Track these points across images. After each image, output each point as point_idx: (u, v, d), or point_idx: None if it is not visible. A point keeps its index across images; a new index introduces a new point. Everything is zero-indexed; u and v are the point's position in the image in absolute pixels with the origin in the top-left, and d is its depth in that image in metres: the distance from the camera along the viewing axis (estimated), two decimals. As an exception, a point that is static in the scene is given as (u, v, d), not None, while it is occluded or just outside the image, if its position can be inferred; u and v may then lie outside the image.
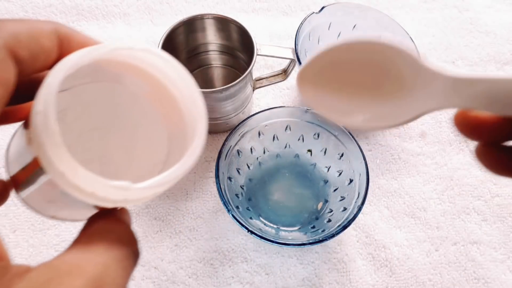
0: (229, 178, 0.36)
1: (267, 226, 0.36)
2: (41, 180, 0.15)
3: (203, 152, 0.44)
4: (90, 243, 0.14)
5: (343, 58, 0.19)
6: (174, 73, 0.17)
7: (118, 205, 0.15)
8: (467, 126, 0.17)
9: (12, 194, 0.17)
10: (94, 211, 0.16)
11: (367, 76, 0.19)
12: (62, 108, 0.16)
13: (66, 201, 0.15)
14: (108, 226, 0.15)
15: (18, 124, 0.17)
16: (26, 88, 0.16)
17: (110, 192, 0.14)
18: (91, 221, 0.16)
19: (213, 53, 0.43)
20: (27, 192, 0.16)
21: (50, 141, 0.13)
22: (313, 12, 0.41)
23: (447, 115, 0.45)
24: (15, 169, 0.17)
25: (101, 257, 0.14)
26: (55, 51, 0.16)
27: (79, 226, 0.16)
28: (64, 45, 0.16)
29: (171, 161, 0.17)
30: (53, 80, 0.14)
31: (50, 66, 0.16)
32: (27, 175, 0.16)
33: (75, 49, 0.16)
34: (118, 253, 0.14)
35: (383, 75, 0.19)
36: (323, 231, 0.33)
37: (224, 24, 0.39)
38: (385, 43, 0.17)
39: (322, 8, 0.41)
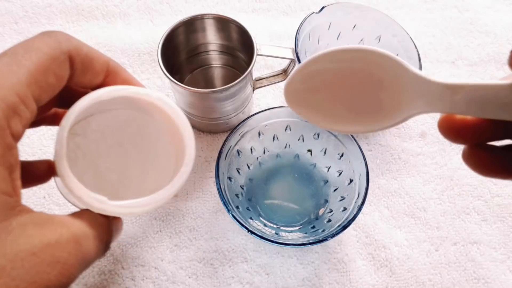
0: (229, 178, 0.36)
1: (267, 226, 0.36)
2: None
3: (203, 152, 0.44)
4: (80, 217, 0.19)
5: (327, 69, 0.20)
6: (175, 112, 0.22)
7: (100, 212, 0.20)
8: (452, 130, 0.18)
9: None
10: None
11: (353, 84, 0.20)
12: (103, 126, 0.21)
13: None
14: (96, 215, 0.20)
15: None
16: (68, 97, 0.21)
17: (91, 201, 0.20)
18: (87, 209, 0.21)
19: (213, 53, 0.43)
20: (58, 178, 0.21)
21: (60, 155, 0.18)
22: (313, 12, 0.41)
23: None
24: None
25: (83, 226, 0.19)
26: (101, 76, 0.20)
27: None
28: (111, 76, 0.21)
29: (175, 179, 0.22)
30: (73, 110, 0.19)
31: (92, 88, 0.20)
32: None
33: (118, 83, 0.21)
34: (95, 233, 0.19)
35: (368, 82, 0.19)
36: (323, 231, 0.33)
37: (224, 24, 0.39)
38: (373, 50, 0.18)
39: (322, 8, 0.41)
